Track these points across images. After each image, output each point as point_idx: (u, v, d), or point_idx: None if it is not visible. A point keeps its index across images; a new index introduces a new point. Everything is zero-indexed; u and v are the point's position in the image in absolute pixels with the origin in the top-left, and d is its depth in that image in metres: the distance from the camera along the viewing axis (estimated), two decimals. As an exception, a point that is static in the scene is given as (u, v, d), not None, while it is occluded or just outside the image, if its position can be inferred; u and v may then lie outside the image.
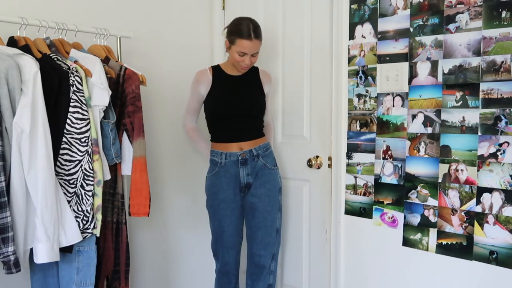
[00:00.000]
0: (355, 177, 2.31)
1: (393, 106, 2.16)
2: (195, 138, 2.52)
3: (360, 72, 2.27)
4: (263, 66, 2.73)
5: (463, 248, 1.97)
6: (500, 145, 1.86)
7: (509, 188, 1.84)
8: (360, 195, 2.30)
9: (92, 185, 1.91)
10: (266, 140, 2.44)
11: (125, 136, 2.12)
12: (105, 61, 2.11)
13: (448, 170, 2.00)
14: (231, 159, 2.33)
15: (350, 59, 2.30)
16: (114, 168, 2.15)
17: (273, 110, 2.68)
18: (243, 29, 2.20)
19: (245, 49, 2.21)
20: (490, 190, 1.89)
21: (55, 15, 2.15)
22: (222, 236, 2.40)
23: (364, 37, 2.24)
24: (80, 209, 1.90)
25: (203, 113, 2.45)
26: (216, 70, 2.40)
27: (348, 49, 2.31)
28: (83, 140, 1.87)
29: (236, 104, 2.33)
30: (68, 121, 1.85)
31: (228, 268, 2.45)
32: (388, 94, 2.18)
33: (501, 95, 1.85)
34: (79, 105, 1.87)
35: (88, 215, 1.91)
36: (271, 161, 2.40)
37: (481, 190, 1.91)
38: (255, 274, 2.42)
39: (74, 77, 1.86)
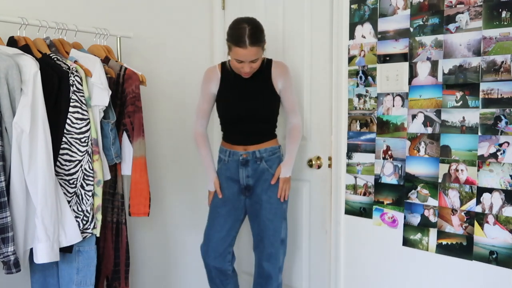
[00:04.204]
0: (355, 177, 2.31)
1: (393, 106, 2.16)
2: (199, 145, 2.36)
3: (360, 72, 2.26)
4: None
5: (463, 248, 1.97)
6: (500, 145, 1.86)
7: (509, 188, 1.84)
8: (360, 195, 2.30)
9: (92, 185, 1.91)
10: (276, 143, 2.31)
11: (125, 136, 2.12)
12: (105, 61, 2.11)
13: (448, 170, 2.00)
14: (233, 158, 2.27)
15: (350, 59, 2.30)
16: (114, 168, 2.15)
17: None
18: (237, 35, 2.03)
19: (240, 57, 2.06)
20: (490, 190, 1.89)
21: (55, 15, 2.15)
22: (208, 238, 2.30)
23: (364, 37, 2.24)
24: (80, 209, 1.90)
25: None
26: (224, 67, 2.29)
27: (348, 49, 2.30)
28: (83, 140, 1.87)
29: (240, 109, 2.23)
30: (68, 121, 1.85)
31: (212, 274, 2.30)
32: (388, 94, 2.18)
33: (501, 95, 1.85)
34: (79, 105, 1.86)
35: (88, 215, 1.91)
36: (277, 166, 2.28)
37: (481, 190, 1.91)
38: (260, 284, 2.33)
39: (74, 77, 1.86)
